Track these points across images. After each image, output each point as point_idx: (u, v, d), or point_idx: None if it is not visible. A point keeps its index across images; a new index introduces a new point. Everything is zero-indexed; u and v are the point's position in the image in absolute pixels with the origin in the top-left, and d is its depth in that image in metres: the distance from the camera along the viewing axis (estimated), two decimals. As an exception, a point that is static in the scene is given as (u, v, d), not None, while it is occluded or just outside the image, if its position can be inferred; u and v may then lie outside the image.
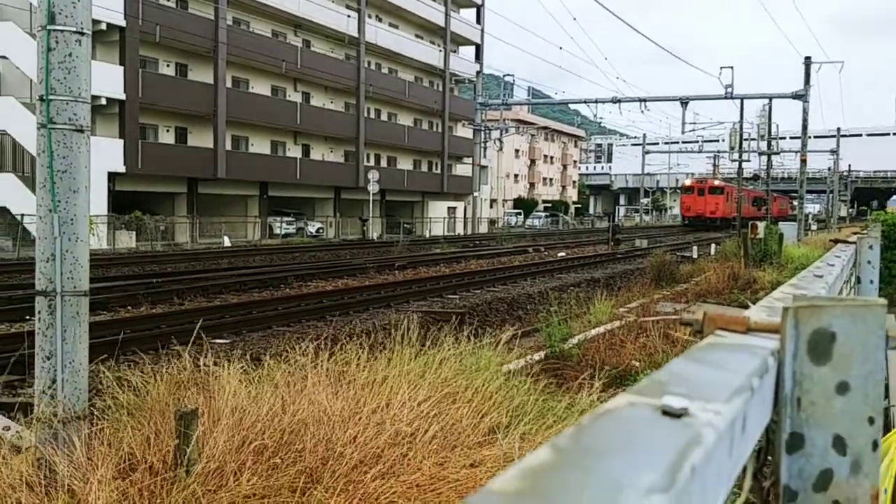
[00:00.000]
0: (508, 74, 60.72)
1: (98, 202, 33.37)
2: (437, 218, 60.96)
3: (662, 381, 0.68)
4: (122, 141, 37.16)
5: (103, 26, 35.40)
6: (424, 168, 63.78)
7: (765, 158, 49.21)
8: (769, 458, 0.92)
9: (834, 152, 71.78)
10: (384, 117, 59.15)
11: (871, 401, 0.86)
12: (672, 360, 0.78)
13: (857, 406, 0.86)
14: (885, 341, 0.87)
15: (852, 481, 0.86)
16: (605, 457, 0.49)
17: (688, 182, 78.77)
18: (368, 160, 54.85)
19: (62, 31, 5.45)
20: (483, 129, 56.65)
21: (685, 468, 0.50)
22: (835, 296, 1.29)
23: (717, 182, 75.43)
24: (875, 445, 0.87)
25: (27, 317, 13.06)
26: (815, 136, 68.04)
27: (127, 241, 35.54)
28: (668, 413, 0.60)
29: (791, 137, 69.51)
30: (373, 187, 44.25)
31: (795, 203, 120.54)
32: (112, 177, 36.80)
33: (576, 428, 0.56)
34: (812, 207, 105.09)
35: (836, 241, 3.27)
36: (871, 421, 0.87)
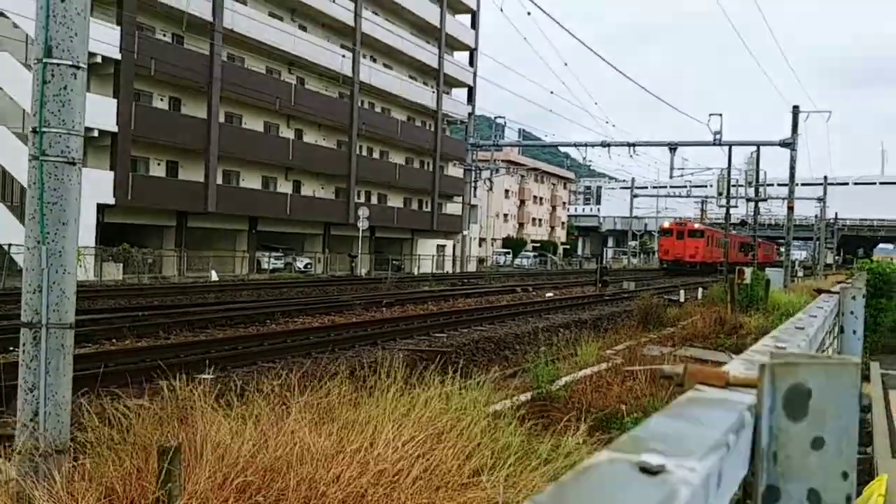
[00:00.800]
0: (500, 116, 61.15)
1: (86, 234, 33.28)
2: (426, 255, 61.03)
3: (642, 438, 0.70)
4: (112, 173, 37.16)
5: (98, 59, 35.57)
6: (415, 206, 64.00)
7: (752, 204, 49.59)
8: None
9: (821, 200, 72.41)
10: (376, 155, 59.47)
11: (846, 456, 0.88)
12: (653, 415, 0.80)
13: (831, 461, 0.88)
14: (859, 399, 0.89)
15: (827, 536, 0.88)
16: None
17: (666, 224, 76.50)
18: (359, 197, 55.02)
19: (58, 64, 5.49)
20: (474, 168, 56.98)
21: (661, 526, 0.51)
22: (811, 353, 1.31)
23: (697, 225, 73.38)
24: (848, 500, 0.89)
25: (11, 348, 12.95)
26: (803, 184, 68.82)
27: (114, 273, 35.39)
28: (645, 470, 0.61)
29: (779, 184, 70.04)
30: (362, 224, 44.33)
31: (780, 249, 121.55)
32: (101, 208, 36.76)
33: (557, 485, 0.57)
34: (799, 254, 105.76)
35: (820, 291, 3.29)
36: (845, 476, 0.88)
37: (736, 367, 1.09)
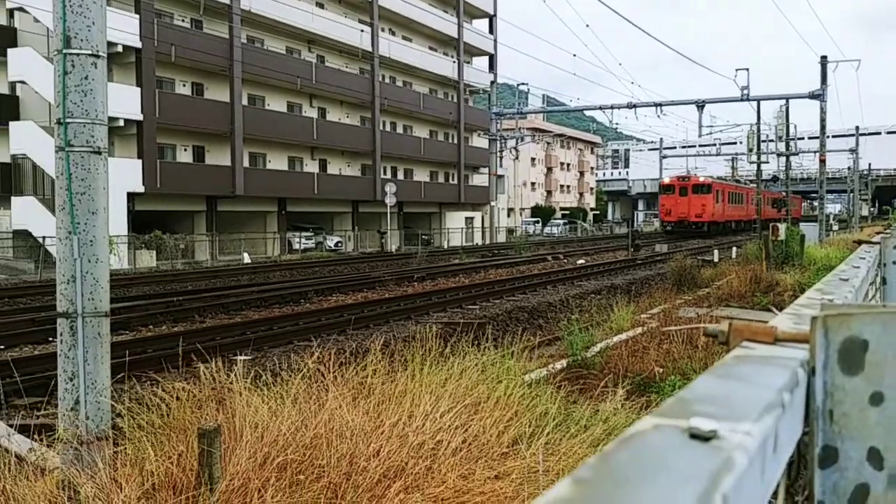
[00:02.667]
0: (523, 83, 60.75)
1: (118, 222, 33.63)
2: (455, 228, 60.95)
3: (688, 400, 0.64)
4: (140, 161, 37.43)
5: (119, 48, 35.74)
6: (441, 179, 63.84)
7: (783, 159, 48.89)
8: (802, 472, 0.88)
9: (853, 151, 71.18)
10: (400, 130, 59.30)
11: None
12: (699, 376, 0.74)
13: (892, 417, 0.82)
14: None
15: (890, 496, 0.82)
16: (630, 489, 0.46)
17: (666, 180, 66.10)
18: (385, 173, 54.98)
19: (78, 54, 5.49)
20: (498, 138, 56.68)
21: (716, 499, 0.47)
22: (863, 302, 1.24)
23: (702, 178, 63.49)
24: None
25: (50, 338, 13.14)
26: (834, 136, 67.51)
27: (148, 260, 35.76)
28: (696, 436, 0.57)
29: (809, 137, 68.89)
30: (390, 200, 44.32)
31: (813, 203, 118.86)
32: (131, 197, 37.08)
33: (600, 457, 0.53)
34: (833, 207, 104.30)
35: (860, 242, 3.19)
36: None
37: (783, 321, 1.03)
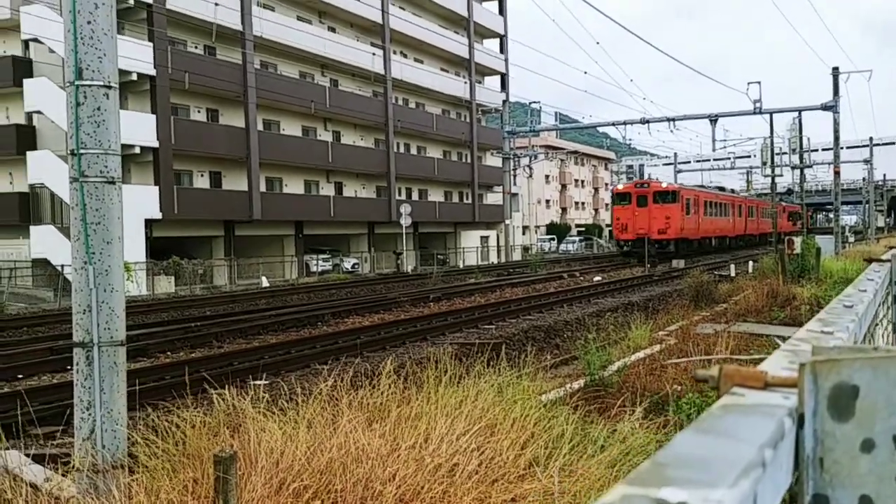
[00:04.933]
0: (535, 101, 60.85)
1: (136, 249, 33.86)
2: (470, 247, 60.95)
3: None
4: (157, 188, 37.72)
5: (134, 76, 36.12)
6: (455, 199, 63.94)
7: (797, 172, 48.65)
8: None
9: (867, 162, 70.77)
10: (413, 151, 59.52)
11: None
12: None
13: (884, 464, 0.80)
14: None
15: (882, 546, 0.80)
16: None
17: (620, 187, 54.82)
18: (400, 194, 55.15)
19: (90, 85, 5.56)
20: (512, 156, 56.74)
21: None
22: (858, 344, 1.22)
23: (665, 184, 51.45)
24: None
25: (68, 367, 13.21)
26: (848, 147, 67.15)
27: (166, 286, 35.95)
28: None
29: (823, 149, 68.50)
30: (405, 221, 44.41)
31: (821, 216, 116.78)
32: (149, 223, 37.34)
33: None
34: (848, 219, 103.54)
35: (871, 261, 3.14)
36: None
37: (778, 360, 1.01)
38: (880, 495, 0.80)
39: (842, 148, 42.13)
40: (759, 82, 41.36)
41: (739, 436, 0.70)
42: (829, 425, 0.80)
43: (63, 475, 5.70)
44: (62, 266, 30.97)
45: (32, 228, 37.02)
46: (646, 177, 51.53)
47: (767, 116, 43.71)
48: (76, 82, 5.53)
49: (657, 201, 47.64)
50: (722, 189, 64.22)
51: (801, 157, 45.82)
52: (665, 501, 0.55)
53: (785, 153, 54.01)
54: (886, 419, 0.80)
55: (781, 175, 55.76)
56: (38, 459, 6.66)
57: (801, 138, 44.53)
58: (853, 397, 0.80)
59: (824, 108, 40.06)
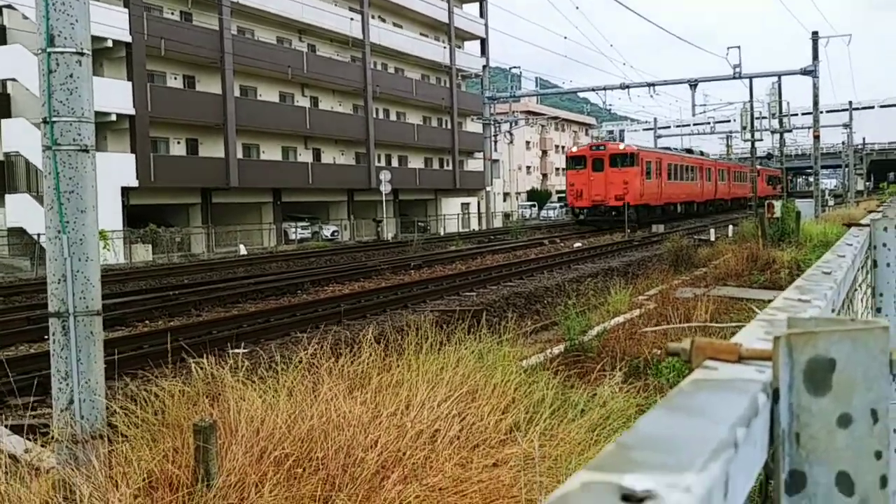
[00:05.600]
0: (515, 67, 60.54)
1: (113, 217, 33.57)
2: (451, 215, 60.91)
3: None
4: (133, 155, 37.33)
5: (109, 43, 35.58)
6: (436, 165, 63.74)
7: (777, 136, 48.86)
8: (769, 497, 0.85)
9: (847, 126, 71.11)
10: (393, 117, 59.16)
11: (878, 433, 0.78)
12: (648, 411, 0.70)
13: (861, 439, 0.78)
14: (890, 367, 0.78)
15: (862, 523, 0.79)
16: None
17: (574, 150, 50.13)
18: (380, 161, 54.89)
19: (62, 52, 5.44)
20: (492, 122, 56.54)
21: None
22: (835, 315, 1.20)
23: (622, 146, 46.52)
24: (884, 482, 0.79)
25: (45, 336, 13.12)
26: (828, 111, 67.38)
27: (143, 254, 35.72)
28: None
29: (803, 113, 68.67)
30: (385, 188, 44.25)
31: (801, 179, 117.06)
32: (126, 191, 37.00)
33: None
34: (828, 182, 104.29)
35: (850, 225, 3.14)
36: (879, 455, 0.79)
37: (753, 332, 0.99)
38: (858, 470, 0.79)
39: (822, 112, 42.27)
40: (738, 47, 41.35)
41: (711, 414, 0.67)
42: (805, 399, 0.78)
43: (42, 446, 5.67)
44: (38, 235, 30.67)
45: (7, 197, 36.59)
46: (626, 142, 49.43)
47: (747, 81, 43.71)
48: (48, 49, 5.41)
49: (614, 165, 44.18)
50: (689, 152, 61.56)
51: (780, 122, 45.95)
52: (628, 489, 0.52)
53: (765, 118, 54.15)
54: (864, 393, 0.78)
55: (761, 140, 55.84)
56: (17, 430, 6.63)
57: (780, 103, 44.63)
58: (830, 370, 0.78)
59: (804, 72, 40.13)
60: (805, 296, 1.30)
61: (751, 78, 43.79)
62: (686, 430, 0.63)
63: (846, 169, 76.25)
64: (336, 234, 49.07)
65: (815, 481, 0.79)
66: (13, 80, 35.86)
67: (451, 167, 63.13)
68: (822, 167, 49.61)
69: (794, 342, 0.78)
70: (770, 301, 1.31)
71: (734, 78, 42.10)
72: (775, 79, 44.20)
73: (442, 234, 52.74)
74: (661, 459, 0.57)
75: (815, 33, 39.40)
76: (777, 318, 1.03)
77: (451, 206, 63.20)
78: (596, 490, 0.50)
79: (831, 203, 57.95)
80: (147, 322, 15.78)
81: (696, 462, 0.57)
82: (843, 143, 78.78)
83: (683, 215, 53.03)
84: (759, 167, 51.15)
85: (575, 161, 46.46)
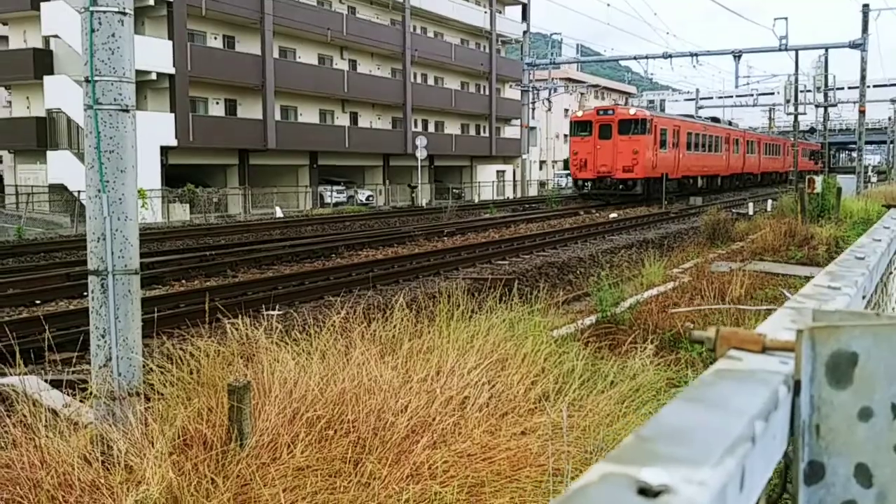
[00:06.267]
0: (556, 33, 59.85)
1: (151, 176, 33.93)
2: (486, 182, 60.69)
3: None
4: (173, 115, 37.60)
5: (150, 1, 35.75)
6: (472, 132, 63.43)
7: (821, 110, 47.93)
8: (787, 486, 0.85)
9: (894, 101, 69.52)
10: (431, 82, 58.86)
11: None
12: (669, 402, 0.70)
13: (881, 433, 0.79)
14: None
15: (878, 515, 0.79)
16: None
17: (579, 114, 43.42)
18: (416, 126, 54.75)
19: (105, 11, 5.48)
20: (531, 89, 56.02)
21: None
22: (858, 311, 1.18)
23: (633, 110, 41.73)
24: None
25: (84, 293, 13.36)
26: (875, 86, 65.84)
27: (181, 214, 36.10)
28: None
29: (849, 87, 67.16)
30: (420, 153, 44.16)
31: (844, 154, 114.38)
32: (164, 151, 37.33)
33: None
34: (872, 158, 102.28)
35: (890, 206, 3.06)
36: None
37: (780, 320, 0.99)
38: (877, 463, 0.79)
39: (868, 87, 41.35)
40: (785, 18, 40.47)
41: (731, 406, 0.68)
42: (826, 392, 0.79)
43: (81, 401, 5.80)
44: (78, 192, 31.09)
45: (49, 154, 37.09)
46: (666, 111, 46.16)
47: (793, 53, 42.85)
48: (91, 8, 5.45)
49: (624, 132, 39.26)
50: (716, 121, 56.98)
51: (825, 96, 45.07)
52: (645, 483, 0.52)
53: (809, 91, 53.08)
54: (886, 388, 0.79)
55: (805, 113, 54.71)
56: (56, 385, 6.79)
57: (826, 76, 43.72)
58: (852, 364, 0.79)
59: (852, 45, 39.21)
60: (835, 282, 1.29)
61: (797, 50, 42.91)
62: (705, 422, 0.64)
63: (891, 145, 74.65)
64: (371, 198, 49.18)
65: (834, 472, 0.80)
66: (56, 36, 36.17)
67: (487, 134, 62.78)
68: (867, 143, 48.64)
69: (818, 335, 0.78)
70: (807, 278, 1.30)
71: (780, 50, 41.26)
72: (822, 52, 43.27)
73: (476, 201, 52.61)
74: (679, 453, 0.57)
75: (865, 6, 38.43)
76: (805, 307, 1.03)
77: (486, 174, 62.95)
78: (614, 482, 0.52)
79: (874, 180, 56.84)
80: (184, 281, 15.99)
81: (712, 456, 0.58)
82: (889, 118, 77.09)
83: (703, 190, 47.94)
84: (795, 140, 48.28)
85: (579, 126, 41.38)
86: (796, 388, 0.79)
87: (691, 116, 54.64)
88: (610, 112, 41.29)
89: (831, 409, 0.79)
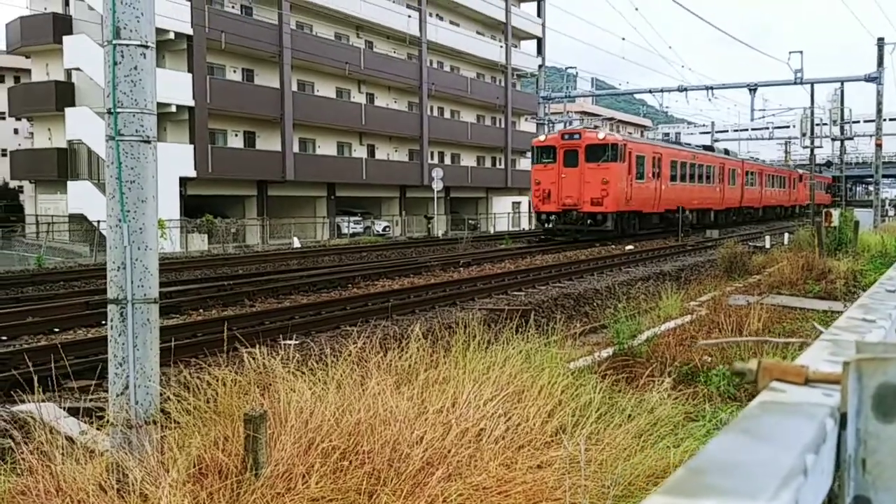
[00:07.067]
0: (571, 67, 60.12)
1: (170, 206, 34.20)
2: (502, 213, 60.77)
3: (700, 471, 0.59)
4: (192, 146, 37.98)
5: (171, 35, 36.23)
6: (488, 164, 63.66)
7: (838, 143, 47.80)
8: None
9: (912, 135, 69.25)
10: (447, 115, 59.24)
11: None
12: (717, 435, 0.69)
13: None
14: None
15: (924, 549, 0.77)
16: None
17: (542, 138, 38.26)
18: (432, 158, 55.05)
19: (127, 45, 5.57)
20: (546, 122, 56.19)
21: None
22: None
23: (602, 134, 36.28)
24: None
25: (103, 322, 13.42)
26: (891, 119, 65.64)
27: (199, 244, 36.32)
28: None
29: (865, 121, 67.00)
30: (437, 185, 44.33)
31: (861, 188, 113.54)
32: (183, 181, 37.67)
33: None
34: (889, 192, 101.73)
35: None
36: None
37: (818, 353, 0.98)
38: None
39: (885, 120, 41.27)
40: (800, 52, 40.55)
41: (780, 439, 0.67)
42: (872, 426, 0.77)
43: (97, 429, 5.82)
44: (98, 221, 31.37)
45: (70, 184, 37.52)
46: (685, 140, 41.95)
47: (808, 87, 42.87)
48: (114, 42, 5.54)
49: (591, 159, 34.44)
50: (710, 149, 52.33)
51: (841, 129, 44.98)
52: None
53: (825, 124, 52.98)
54: None
55: (821, 147, 54.51)
56: (73, 412, 6.81)
57: (842, 109, 43.67)
58: None
59: (868, 79, 39.22)
60: (870, 315, 1.28)
61: (812, 83, 42.92)
62: (757, 453, 0.63)
63: (909, 178, 74.25)
64: (387, 229, 49.32)
65: None
66: (78, 69, 36.72)
67: (503, 166, 63.00)
68: (884, 176, 48.42)
69: (864, 368, 0.77)
70: (825, 311, 1.30)
71: (795, 83, 41.28)
72: (838, 85, 43.26)
73: (492, 232, 52.64)
74: (732, 485, 0.57)
75: (880, 40, 38.48)
76: (841, 339, 1.02)
77: (501, 205, 63.06)
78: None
79: (891, 213, 56.51)
80: (202, 311, 16.04)
81: (766, 489, 0.57)
82: (906, 151, 76.75)
83: (697, 226, 43.21)
84: (804, 172, 45.90)
85: (542, 153, 36.19)
86: (842, 422, 0.77)
87: (678, 143, 50.75)
88: (576, 136, 36.21)
89: (878, 443, 0.76)
